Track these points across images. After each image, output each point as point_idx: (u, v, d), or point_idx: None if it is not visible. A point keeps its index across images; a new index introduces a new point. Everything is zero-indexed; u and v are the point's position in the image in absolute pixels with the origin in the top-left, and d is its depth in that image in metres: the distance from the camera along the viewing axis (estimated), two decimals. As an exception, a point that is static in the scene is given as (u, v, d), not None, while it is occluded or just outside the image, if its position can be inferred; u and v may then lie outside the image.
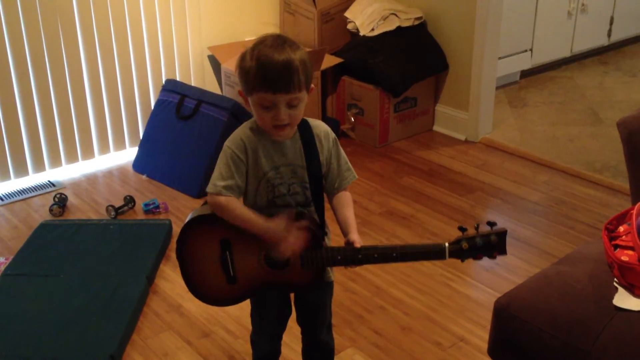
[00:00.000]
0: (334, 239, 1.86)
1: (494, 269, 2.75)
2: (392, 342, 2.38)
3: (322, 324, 1.94)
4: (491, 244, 1.64)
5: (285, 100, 1.59)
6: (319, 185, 1.74)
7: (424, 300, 2.59)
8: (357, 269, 2.68)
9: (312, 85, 1.67)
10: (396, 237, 3.00)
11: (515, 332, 1.76)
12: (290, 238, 1.65)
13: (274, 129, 1.63)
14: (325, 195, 1.79)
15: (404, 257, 1.70)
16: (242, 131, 1.70)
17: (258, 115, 1.63)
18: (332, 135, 1.76)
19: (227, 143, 1.69)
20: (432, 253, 1.70)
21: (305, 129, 1.71)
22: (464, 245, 1.65)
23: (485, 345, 1.95)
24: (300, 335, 2.01)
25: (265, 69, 1.57)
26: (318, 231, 1.70)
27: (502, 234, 1.65)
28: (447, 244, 1.66)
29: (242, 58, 1.62)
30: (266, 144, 1.68)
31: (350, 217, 1.75)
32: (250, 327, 1.99)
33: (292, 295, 1.91)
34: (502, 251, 1.66)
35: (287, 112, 1.60)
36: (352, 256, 1.69)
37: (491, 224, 1.65)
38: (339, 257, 1.70)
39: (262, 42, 1.60)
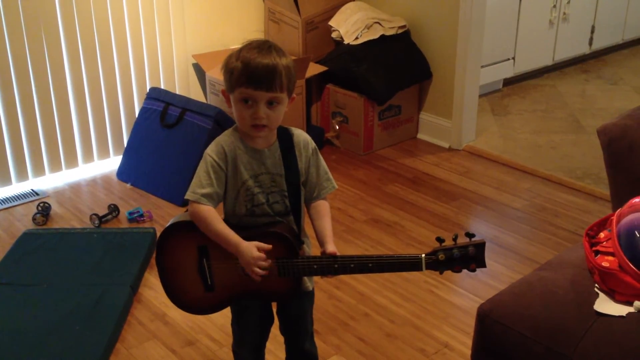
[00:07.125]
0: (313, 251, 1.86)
1: (477, 275, 2.77)
2: (376, 349, 2.39)
3: (304, 333, 1.93)
4: (469, 256, 1.62)
5: (265, 98, 1.61)
6: (298, 194, 1.75)
7: (409, 307, 2.60)
8: (342, 276, 2.70)
9: (294, 95, 1.69)
10: (381, 245, 3.01)
11: (498, 337, 1.77)
12: (256, 268, 1.64)
13: (252, 128, 1.64)
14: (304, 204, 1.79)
15: (380, 267, 1.70)
16: (222, 139, 1.71)
17: (238, 113, 1.65)
18: (313, 144, 1.77)
19: (208, 151, 1.70)
20: (408, 264, 1.68)
21: (285, 137, 1.72)
22: (441, 256, 1.63)
23: (469, 352, 1.97)
24: (283, 343, 2.00)
25: (250, 67, 1.59)
26: (295, 241, 1.70)
27: (481, 246, 1.61)
28: (423, 256, 1.64)
29: (228, 59, 1.65)
30: (246, 152, 1.69)
31: (328, 228, 1.75)
32: (234, 335, 1.99)
33: (274, 305, 1.91)
34: (481, 264, 1.63)
35: (265, 111, 1.62)
36: (329, 266, 1.69)
37: (470, 235, 1.63)
38: (315, 267, 1.70)
39: (249, 46, 1.63)
